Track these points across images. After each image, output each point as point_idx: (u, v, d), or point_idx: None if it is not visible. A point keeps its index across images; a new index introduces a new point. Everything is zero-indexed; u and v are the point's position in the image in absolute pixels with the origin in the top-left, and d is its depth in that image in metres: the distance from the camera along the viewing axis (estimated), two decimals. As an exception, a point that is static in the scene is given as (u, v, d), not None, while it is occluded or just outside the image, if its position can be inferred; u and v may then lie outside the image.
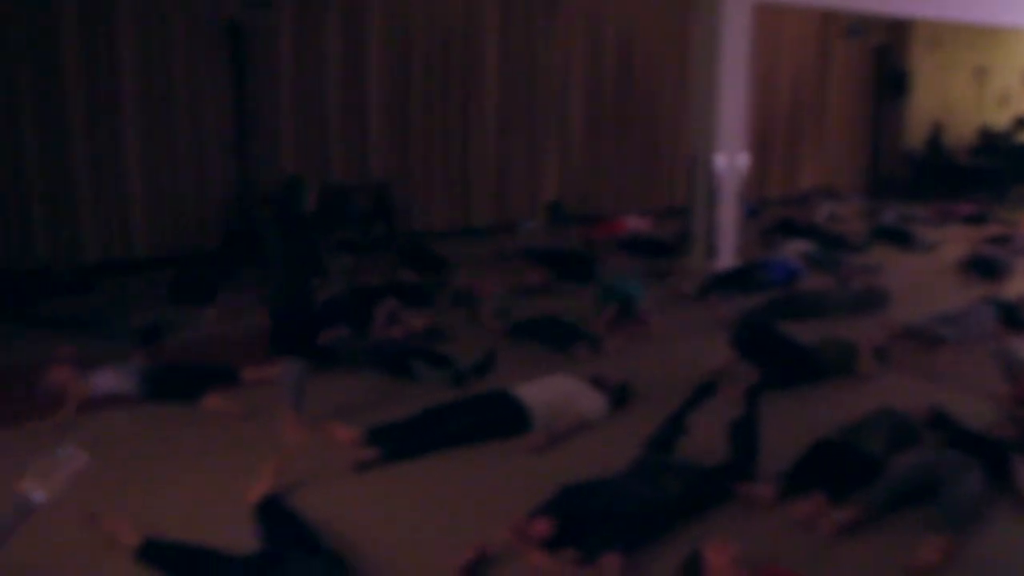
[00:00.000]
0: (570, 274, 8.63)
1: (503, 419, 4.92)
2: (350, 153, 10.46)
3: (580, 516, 3.73)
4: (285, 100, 9.96)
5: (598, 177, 12.32)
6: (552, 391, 5.14)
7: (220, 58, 9.51)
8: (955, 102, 15.69)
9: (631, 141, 12.52)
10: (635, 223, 11.36)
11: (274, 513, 3.89)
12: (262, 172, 9.73)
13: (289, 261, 5.01)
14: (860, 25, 14.48)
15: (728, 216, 9.23)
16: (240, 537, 3.70)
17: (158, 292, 8.14)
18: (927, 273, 9.32)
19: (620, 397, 5.32)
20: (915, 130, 15.41)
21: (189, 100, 9.46)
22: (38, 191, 8.81)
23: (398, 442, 4.69)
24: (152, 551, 3.65)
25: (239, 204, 9.75)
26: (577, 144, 12.10)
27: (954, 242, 10.62)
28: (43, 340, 6.68)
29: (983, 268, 8.88)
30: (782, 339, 6.02)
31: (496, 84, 11.29)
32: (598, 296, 7.39)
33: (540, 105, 11.66)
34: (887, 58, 15.07)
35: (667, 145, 12.76)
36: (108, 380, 5.51)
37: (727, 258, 9.19)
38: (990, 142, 15.67)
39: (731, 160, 9.11)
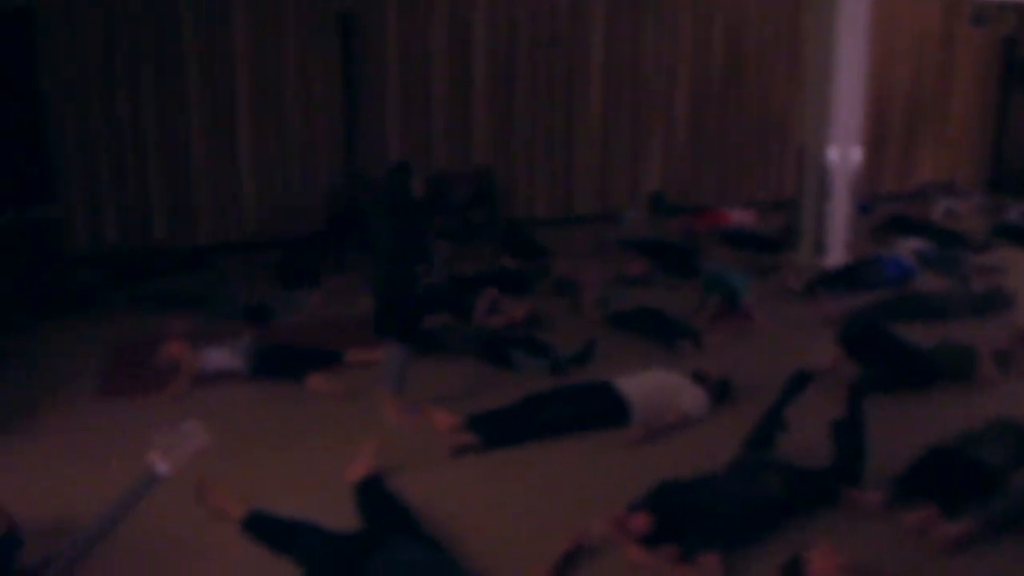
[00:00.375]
0: (671, 266, 8.50)
1: (603, 411, 4.89)
2: (454, 140, 10.55)
3: (679, 513, 3.68)
4: (391, 88, 10.12)
5: (702, 167, 12.08)
6: (653, 385, 5.08)
7: (330, 47, 9.73)
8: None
9: (738, 131, 12.21)
10: (739, 216, 11.09)
11: (374, 494, 3.97)
12: (368, 159, 9.94)
13: (395, 246, 5.08)
14: (986, 13, 13.73)
15: (839, 211, 8.91)
16: (340, 515, 3.78)
17: (266, 274, 8.40)
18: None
19: (721, 393, 5.22)
20: (1045, 123, 14.54)
21: (299, 88, 9.75)
22: (158, 174, 9.37)
23: (497, 429, 4.71)
24: (256, 523, 3.77)
25: (345, 190, 9.96)
26: (682, 133, 11.88)
27: (1085, 243, 9.99)
28: (159, 315, 7.01)
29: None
30: (893, 339, 5.78)
31: (601, 71, 11.18)
32: (702, 288, 7.25)
33: (645, 93, 11.50)
34: (1016, 48, 14.25)
35: (776, 136, 12.40)
36: (219, 356, 5.72)
37: (837, 255, 8.87)
38: None
39: (843, 153, 8.79)
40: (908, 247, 9.03)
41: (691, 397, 5.05)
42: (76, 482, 4.29)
